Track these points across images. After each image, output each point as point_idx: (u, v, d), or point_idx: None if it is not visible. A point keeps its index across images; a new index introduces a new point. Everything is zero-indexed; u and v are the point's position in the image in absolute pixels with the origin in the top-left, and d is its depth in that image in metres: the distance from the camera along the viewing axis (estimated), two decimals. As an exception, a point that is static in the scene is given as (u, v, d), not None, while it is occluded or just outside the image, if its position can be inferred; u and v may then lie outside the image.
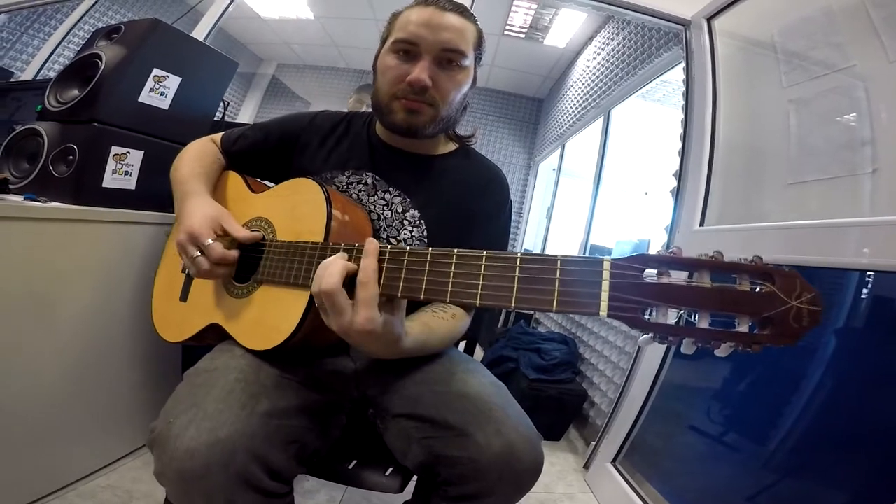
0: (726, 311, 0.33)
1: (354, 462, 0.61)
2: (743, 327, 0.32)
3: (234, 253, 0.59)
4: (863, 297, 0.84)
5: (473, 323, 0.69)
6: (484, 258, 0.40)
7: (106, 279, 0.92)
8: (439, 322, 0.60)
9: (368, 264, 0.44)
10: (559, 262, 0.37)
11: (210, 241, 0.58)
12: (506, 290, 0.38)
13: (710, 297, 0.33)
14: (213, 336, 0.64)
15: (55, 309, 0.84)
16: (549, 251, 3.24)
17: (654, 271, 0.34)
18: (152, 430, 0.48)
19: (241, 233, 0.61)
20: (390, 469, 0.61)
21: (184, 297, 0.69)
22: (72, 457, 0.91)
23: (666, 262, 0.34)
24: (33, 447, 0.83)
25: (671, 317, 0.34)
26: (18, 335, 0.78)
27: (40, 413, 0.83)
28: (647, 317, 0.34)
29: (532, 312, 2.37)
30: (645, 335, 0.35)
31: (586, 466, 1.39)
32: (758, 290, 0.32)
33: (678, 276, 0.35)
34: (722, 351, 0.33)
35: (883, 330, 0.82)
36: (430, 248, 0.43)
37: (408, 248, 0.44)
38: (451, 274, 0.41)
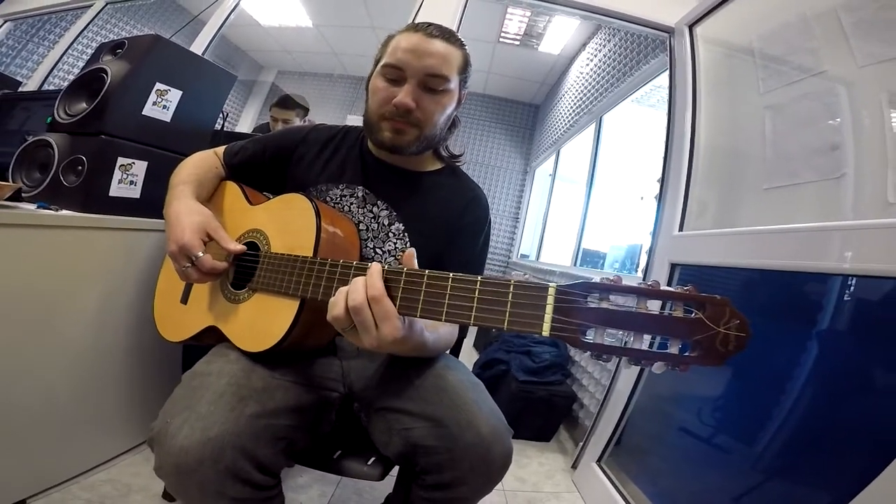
0: (659, 334, 0.37)
1: (339, 452, 0.66)
2: (674, 349, 0.37)
3: (223, 265, 0.63)
4: (846, 299, 0.83)
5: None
6: (450, 279, 0.45)
7: (111, 283, 0.97)
8: (435, 323, 0.64)
9: (374, 282, 0.47)
10: (512, 286, 0.42)
11: (201, 253, 0.61)
12: (467, 309, 0.43)
13: (643, 321, 0.37)
14: (210, 337, 0.68)
15: (64, 311, 0.89)
16: (544, 256, 3.31)
17: (597, 296, 0.39)
18: (152, 430, 0.53)
19: (230, 245, 0.64)
20: (372, 459, 0.65)
21: (184, 299, 0.74)
22: (74, 452, 0.96)
23: (607, 288, 0.39)
24: (39, 443, 0.87)
25: (608, 338, 0.38)
26: (29, 336, 0.83)
27: (46, 410, 0.88)
28: (586, 338, 0.38)
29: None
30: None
31: (574, 466, 1.42)
32: (692, 315, 0.36)
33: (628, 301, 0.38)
34: (657, 368, 0.38)
35: (863, 333, 0.82)
36: (405, 268, 0.48)
37: (384, 265, 0.49)
38: (423, 292, 0.46)
